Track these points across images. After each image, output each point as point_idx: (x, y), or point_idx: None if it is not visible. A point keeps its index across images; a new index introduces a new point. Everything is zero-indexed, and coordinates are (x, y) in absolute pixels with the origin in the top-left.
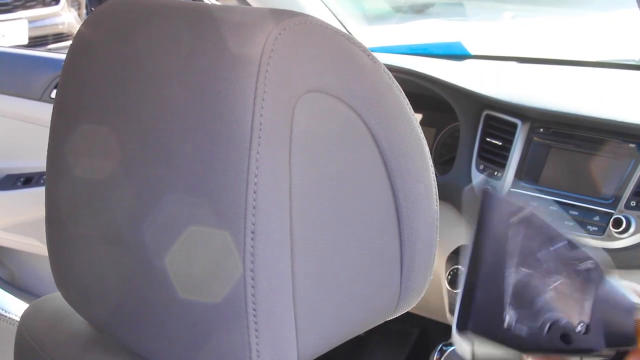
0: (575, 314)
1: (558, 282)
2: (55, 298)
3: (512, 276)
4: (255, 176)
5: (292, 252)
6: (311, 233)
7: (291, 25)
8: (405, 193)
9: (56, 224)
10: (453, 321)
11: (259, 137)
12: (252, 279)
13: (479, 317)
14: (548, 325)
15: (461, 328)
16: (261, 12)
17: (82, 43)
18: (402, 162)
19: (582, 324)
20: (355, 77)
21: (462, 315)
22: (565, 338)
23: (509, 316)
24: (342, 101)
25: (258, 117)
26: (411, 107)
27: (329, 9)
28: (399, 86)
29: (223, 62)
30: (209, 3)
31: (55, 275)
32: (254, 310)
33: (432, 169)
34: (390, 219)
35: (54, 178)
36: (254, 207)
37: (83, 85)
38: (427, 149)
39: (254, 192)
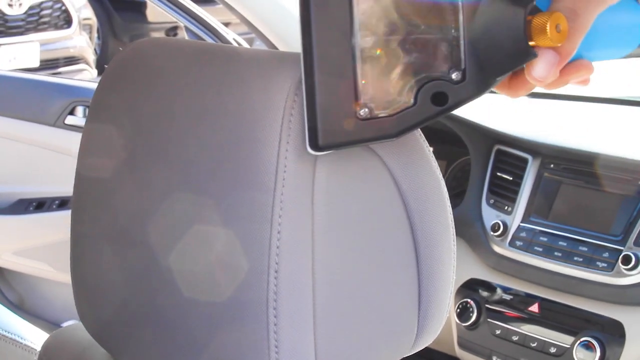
0: (444, 63)
1: (417, 35)
2: (76, 329)
3: (357, 53)
4: (280, 217)
5: (313, 290)
6: (332, 272)
7: None
8: (424, 233)
9: (81, 254)
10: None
11: (284, 179)
12: (275, 317)
13: (329, 124)
14: (414, 93)
15: (314, 147)
16: (286, 57)
17: (110, 80)
18: (421, 203)
19: (455, 71)
20: None
21: (310, 131)
22: (438, 98)
23: (364, 105)
24: None
25: (283, 160)
26: (430, 148)
27: None
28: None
29: (249, 106)
30: (236, 46)
31: (77, 305)
32: (276, 347)
33: (449, 209)
34: (409, 259)
35: (81, 209)
36: (277, 247)
37: (111, 121)
38: (445, 189)
39: (278, 232)
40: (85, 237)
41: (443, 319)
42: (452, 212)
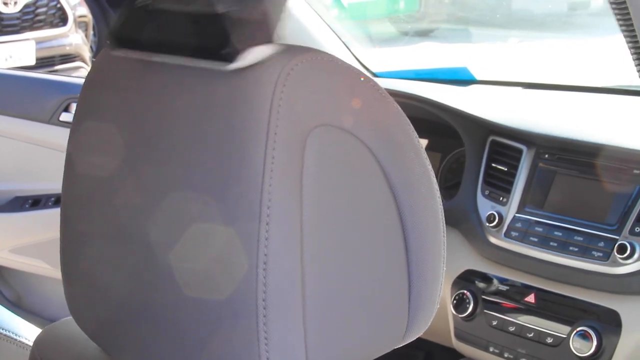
0: None
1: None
2: (68, 323)
3: None
4: (268, 208)
5: (302, 281)
6: (321, 264)
7: (303, 61)
8: (413, 224)
9: (70, 251)
10: None
11: (272, 170)
12: (264, 309)
13: None
14: None
15: None
16: (273, 48)
17: (99, 74)
18: (410, 194)
19: None
20: (365, 111)
21: None
22: None
23: None
24: (352, 135)
25: (270, 151)
26: (419, 140)
27: (336, 34)
28: (408, 120)
29: (236, 98)
30: None
31: (68, 300)
32: (266, 339)
33: (439, 201)
34: (399, 250)
35: (70, 208)
36: (266, 239)
37: (101, 118)
38: (434, 180)
39: (267, 224)
40: (78, 236)
41: (434, 310)
42: (442, 204)
